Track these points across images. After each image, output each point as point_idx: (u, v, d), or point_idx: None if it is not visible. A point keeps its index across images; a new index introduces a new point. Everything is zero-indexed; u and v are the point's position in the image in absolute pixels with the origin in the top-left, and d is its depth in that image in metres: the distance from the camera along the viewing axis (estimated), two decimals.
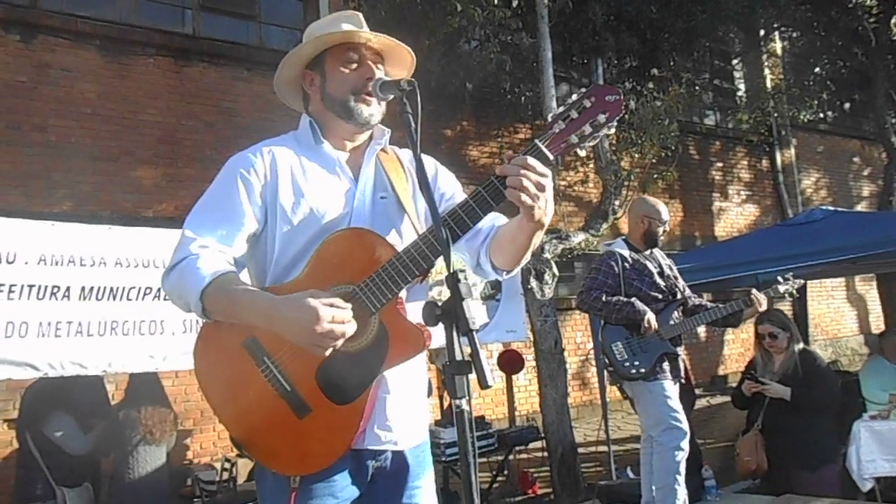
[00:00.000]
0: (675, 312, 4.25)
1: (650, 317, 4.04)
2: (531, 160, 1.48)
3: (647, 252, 4.37)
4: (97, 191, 6.80)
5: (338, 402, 1.56)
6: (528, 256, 1.72)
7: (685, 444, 3.98)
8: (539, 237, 1.65)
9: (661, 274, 4.30)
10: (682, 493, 3.97)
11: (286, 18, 8.57)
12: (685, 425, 4.00)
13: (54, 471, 4.34)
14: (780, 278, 4.40)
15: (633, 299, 4.09)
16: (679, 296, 4.31)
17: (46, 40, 6.81)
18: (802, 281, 4.52)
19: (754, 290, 4.24)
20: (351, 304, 1.51)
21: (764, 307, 4.26)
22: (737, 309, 4.25)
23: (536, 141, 1.54)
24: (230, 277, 1.59)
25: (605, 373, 4.54)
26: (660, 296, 4.23)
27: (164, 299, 4.30)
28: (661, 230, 4.33)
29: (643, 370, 4.03)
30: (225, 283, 1.56)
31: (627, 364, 4.04)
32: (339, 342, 1.46)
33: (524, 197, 1.47)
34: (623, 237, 4.51)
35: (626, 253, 4.28)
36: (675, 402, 4.02)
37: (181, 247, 1.62)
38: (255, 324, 1.55)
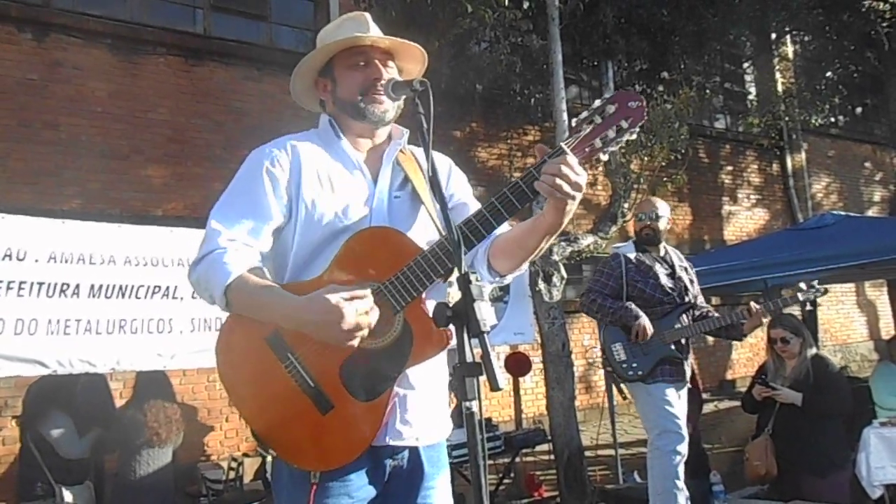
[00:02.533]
0: (683, 316, 4.22)
1: (643, 322, 4.01)
2: (570, 158, 1.50)
3: (661, 253, 4.34)
4: (107, 189, 6.83)
5: (361, 399, 1.57)
6: (527, 264, 1.74)
7: (683, 448, 3.92)
8: (549, 242, 1.67)
9: (672, 276, 4.27)
10: (682, 497, 3.92)
11: (297, 19, 8.59)
12: (683, 430, 3.95)
13: (53, 469, 4.34)
14: (802, 285, 4.27)
15: (629, 304, 4.07)
16: (687, 299, 4.28)
17: (58, 39, 6.84)
18: (826, 288, 4.40)
19: (752, 303, 4.16)
20: (375, 301, 1.53)
21: (764, 321, 4.20)
22: (736, 321, 4.19)
23: (562, 144, 1.55)
24: (256, 273, 1.60)
25: (605, 372, 4.54)
26: (665, 297, 4.19)
27: (173, 298, 4.32)
28: (649, 223, 4.29)
29: (641, 372, 4.01)
30: (250, 280, 1.57)
31: (625, 365, 4.04)
32: (367, 332, 1.48)
33: (560, 191, 1.48)
34: (633, 239, 4.52)
35: (631, 255, 4.27)
36: (674, 406, 3.98)
37: (209, 239, 1.64)
38: (278, 322, 1.57)
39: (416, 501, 1.71)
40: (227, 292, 1.56)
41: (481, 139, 9.41)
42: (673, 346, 4.10)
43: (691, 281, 4.37)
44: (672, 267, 4.31)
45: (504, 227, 1.70)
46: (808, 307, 4.43)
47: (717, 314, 4.30)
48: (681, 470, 3.91)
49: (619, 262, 4.22)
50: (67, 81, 6.82)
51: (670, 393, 4.00)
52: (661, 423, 3.94)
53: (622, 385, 4.27)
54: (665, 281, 4.22)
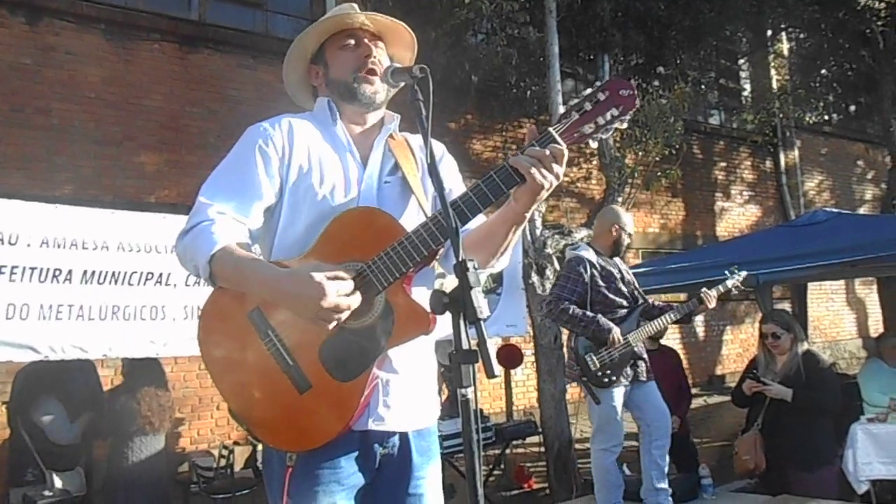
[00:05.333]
0: (639, 318, 4.33)
1: (616, 334, 4.10)
2: (555, 147, 1.51)
3: (611, 258, 4.42)
4: (99, 175, 6.79)
5: (339, 379, 1.56)
6: (501, 259, 1.74)
7: (617, 448, 4.16)
8: (517, 235, 1.69)
9: (623, 280, 4.38)
10: (619, 492, 4.17)
11: (292, 7, 8.54)
12: (620, 432, 4.14)
13: (44, 455, 4.34)
14: (726, 272, 4.54)
15: (598, 316, 4.12)
16: (640, 301, 4.39)
17: (51, 23, 6.78)
18: (745, 273, 4.61)
19: (705, 289, 4.35)
20: (358, 281, 1.53)
21: (713, 305, 4.35)
22: (691, 309, 4.38)
23: (550, 129, 1.55)
24: (242, 246, 1.60)
25: (566, 373, 4.57)
26: (624, 301, 4.30)
27: (166, 285, 4.31)
28: (627, 241, 4.45)
29: (614, 378, 4.12)
30: (235, 250, 1.57)
31: (600, 374, 4.11)
32: (345, 315, 1.48)
33: (537, 174, 1.49)
34: (587, 241, 4.54)
35: (594, 259, 4.32)
36: (618, 412, 4.14)
37: (197, 212, 1.63)
38: (259, 296, 1.57)
39: (407, 491, 1.71)
40: (211, 262, 1.55)
41: (476, 131, 9.39)
42: (639, 347, 4.24)
43: (635, 284, 4.50)
44: (621, 271, 4.42)
45: (480, 219, 1.70)
46: (738, 291, 4.61)
47: (675, 305, 4.47)
48: (613, 466, 4.18)
49: (585, 267, 4.25)
50: (60, 66, 6.76)
51: (618, 397, 4.14)
52: (604, 424, 4.13)
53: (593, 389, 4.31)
54: (622, 286, 4.33)
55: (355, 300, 1.48)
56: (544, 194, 1.55)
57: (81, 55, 6.87)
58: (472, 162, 9.04)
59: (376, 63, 1.77)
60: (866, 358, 8.73)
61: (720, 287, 4.44)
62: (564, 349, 4.50)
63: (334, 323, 1.48)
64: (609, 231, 4.41)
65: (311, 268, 1.49)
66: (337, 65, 1.81)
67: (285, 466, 1.59)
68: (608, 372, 4.09)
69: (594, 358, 4.10)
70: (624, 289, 4.32)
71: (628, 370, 4.18)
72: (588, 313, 4.14)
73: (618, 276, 4.34)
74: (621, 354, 4.12)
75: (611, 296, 4.24)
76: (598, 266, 4.28)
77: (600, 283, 4.24)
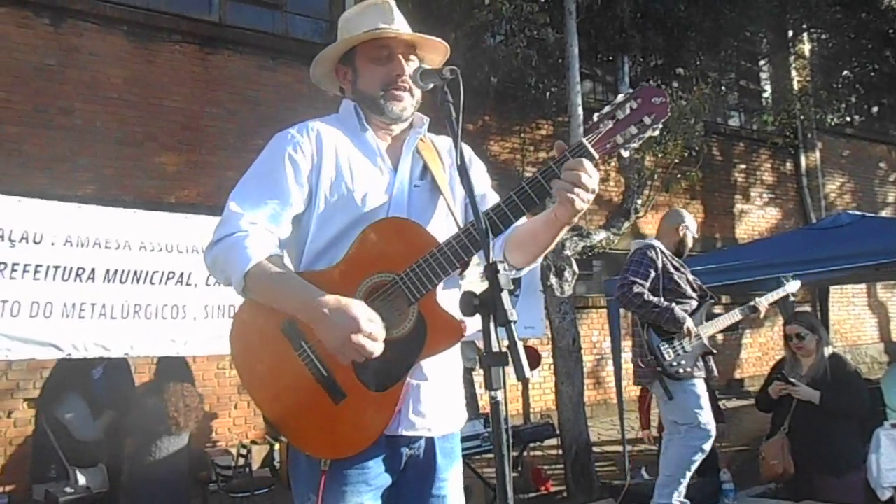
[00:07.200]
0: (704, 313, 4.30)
1: (690, 324, 4.05)
2: (587, 163, 1.50)
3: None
4: (121, 175, 6.86)
5: (373, 389, 1.57)
6: (541, 258, 1.75)
7: (707, 446, 4.03)
8: (561, 236, 1.69)
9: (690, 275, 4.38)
10: (683, 488, 4.07)
11: (312, 8, 8.58)
12: (712, 428, 4.04)
13: (67, 451, 4.37)
14: (783, 279, 4.55)
15: (672, 305, 4.06)
16: (707, 297, 4.33)
17: (75, 24, 6.86)
18: (798, 282, 4.60)
19: (758, 298, 4.36)
20: (390, 291, 1.54)
21: (763, 314, 4.39)
22: (747, 314, 4.41)
23: (583, 140, 1.54)
24: (275, 261, 1.60)
25: (636, 372, 4.46)
26: (695, 294, 4.27)
27: (187, 284, 4.34)
28: (690, 244, 4.45)
29: (688, 369, 4.06)
30: (269, 267, 1.57)
31: (675, 364, 4.04)
32: (362, 360, 1.48)
33: (578, 197, 1.49)
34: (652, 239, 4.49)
35: (664, 248, 4.31)
36: (705, 402, 4.07)
37: (228, 221, 1.62)
38: (294, 313, 1.57)
39: (431, 492, 1.72)
40: (246, 277, 1.55)
41: (494, 132, 9.38)
42: (707, 341, 4.19)
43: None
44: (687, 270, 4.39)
45: (520, 220, 1.69)
46: (795, 297, 4.61)
47: (732, 311, 4.41)
48: (695, 465, 4.05)
49: (657, 254, 4.23)
50: (83, 67, 6.84)
51: (702, 390, 4.08)
52: (696, 419, 4.02)
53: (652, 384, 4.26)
54: (692, 278, 4.32)
55: (378, 349, 1.47)
56: (584, 208, 1.54)
57: (104, 56, 6.95)
58: (489, 163, 8.86)
59: (406, 83, 1.74)
60: (888, 363, 8.62)
61: (771, 296, 4.41)
62: (630, 348, 4.44)
63: (350, 359, 1.48)
64: (675, 230, 4.39)
65: (353, 302, 1.49)
66: (366, 77, 1.79)
67: (316, 470, 1.60)
68: (683, 363, 4.03)
69: (668, 348, 4.04)
70: (696, 281, 4.32)
71: (701, 362, 4.12)
72: (663, 301, 4.06)
73: (686, 270, 4.33)
74: (694, 345, 4.08)
75: (683, 284, 4.20)
76: (667, 255, 4.27)
77: (671, 270, 4.20)
